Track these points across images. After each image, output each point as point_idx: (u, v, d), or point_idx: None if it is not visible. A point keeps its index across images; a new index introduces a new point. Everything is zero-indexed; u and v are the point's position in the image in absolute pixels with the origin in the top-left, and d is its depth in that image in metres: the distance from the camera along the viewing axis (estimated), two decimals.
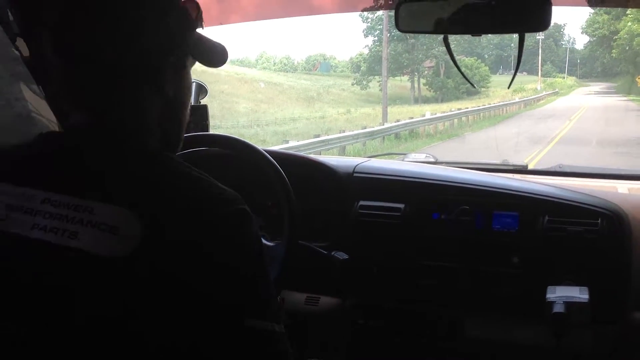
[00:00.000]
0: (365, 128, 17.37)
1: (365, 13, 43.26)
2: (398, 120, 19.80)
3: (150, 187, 1.01)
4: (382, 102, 27.25)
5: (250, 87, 35.42)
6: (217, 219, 1.00)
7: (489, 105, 28.96)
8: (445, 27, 1.55)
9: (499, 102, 31.88)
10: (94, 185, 1.01)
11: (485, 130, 21.32)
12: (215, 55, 1.20)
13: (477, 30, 1.58)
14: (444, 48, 1.58)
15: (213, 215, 1.00)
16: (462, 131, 20.92)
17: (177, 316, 0.96)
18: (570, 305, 1.63)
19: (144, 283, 0.95)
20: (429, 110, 25.69)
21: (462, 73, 1.31)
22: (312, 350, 1.97)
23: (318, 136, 14.75)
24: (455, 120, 22.53)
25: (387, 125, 18.80)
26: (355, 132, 16.19)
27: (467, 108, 26.16)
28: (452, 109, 25.38)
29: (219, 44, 1.20)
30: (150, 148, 1.10)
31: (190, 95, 1.18)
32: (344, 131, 16.54)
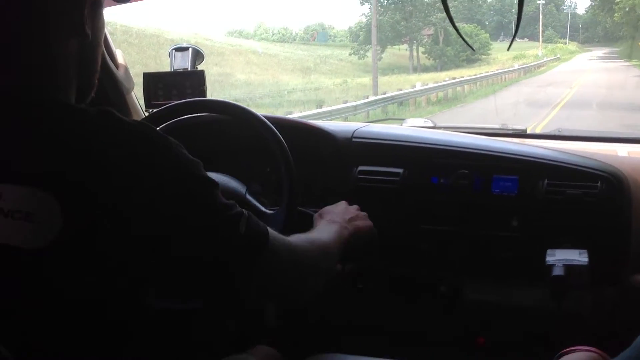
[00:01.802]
0: (367, 97, 17.00)
1: None
2: (384, 93, 19.11)
3: (71, 156, 0.92)
4: (372, 73, 26.76)
5: (245, 59, 35.22)
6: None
7: (486, 74, 27.75)
8: None
9: (498, 69, 30.88)
10: (1, 162, 0.92)
11: (481, 100, 20.69)
12: None
13: None
14: (443, 15, 1.58)
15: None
16: (455, 103, 20.27)
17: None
18: (569, 268, 1.65)
19: (71, 273, 0.90)
20: (427, 79, 25.14)
21: (459, 34, 1.31)
22: (313, 316, 2.01)
23: (321, 106, 14.56)
24: (450, 90, 21.48)
25: (371, 98, 17.77)
26: (357, 102, 15.70)
27: (462, 77, 25.14)
28: (447, 79, 24.35)
29: None
30: (67, 101, 1.04)
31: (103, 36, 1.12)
32: (346, 101, 16.16)
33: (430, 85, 21.15)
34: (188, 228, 0.98)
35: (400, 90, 19.46)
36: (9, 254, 0.88)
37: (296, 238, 1.26)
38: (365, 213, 1.62)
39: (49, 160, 0.90)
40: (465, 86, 23.18)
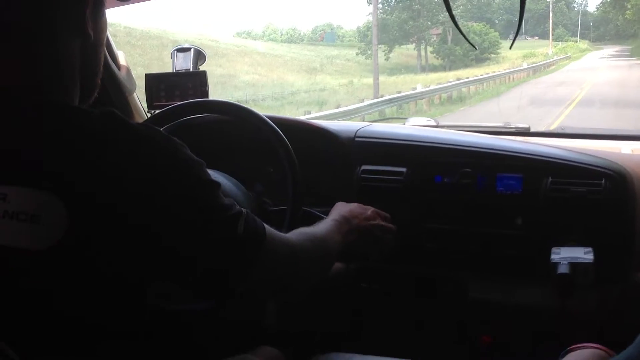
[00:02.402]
0: (363, 101, 16.45)
1: None
2: (382, 96, 18.19)
3: (75, 158, 0.93)
4: (373, 74, 26.43)
5: (250, 60, 35.27)
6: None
7: (493, 74, 27.02)
8: None
9: (505, 69, 30.21)
10: (5, 162, 0.93)
11: (486, 102, 19.96)
12: None
13: None
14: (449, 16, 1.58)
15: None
16: (459, 105, 19.58)
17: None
18: (575, 265, 1.67)
19: (76, 275, 0.91)
20: (435, 79, 24.68)
21: (460, 30, 1.32)
22: (318, 315, 2.03)
23: (338, 106, 14.30)
24: (454, 91, 20.68)
25: (366, 102, 16.31)
26: (350, 107, 15.15)
27: (468, 78, 24.26)
28: (451, 79, 23.64)
29: None
30: (70, 102, 1.05)
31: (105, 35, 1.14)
32: (339, 106, 15.84)
33: (432, 87, 20.29)
34: (188, 228, 1.00)
35: (399, 92, 18.68)
36: (15, 255, 0.89)
37: (294, 233, 1.29)
38: (380, 214, 1.65)
39: (53, 162, 0.92)
40: (471, 87, 22.64)
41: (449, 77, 27.39)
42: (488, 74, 27.10)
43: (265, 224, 1.14)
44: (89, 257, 0.91)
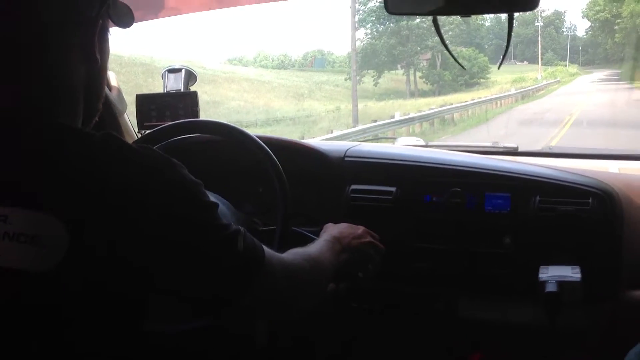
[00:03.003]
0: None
1: (357, 5, 43.26)
2: (375, 121, 17.43)
3: (77, 180, 0.95)
4: (352, 101, 25.84)
5: (238, 86, 35.30)
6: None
7: (479, 100, 26.19)
8: (434, 7, 1.57)
9: (492, 95, 29.38)
10: (5, 184, 0.94)
11: (470, 130, 19.36)
12: (126, 17, 1.16)
13: (465, 11, 1.61)
14: (438, 38, 1.62)
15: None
16: (441, 133, 18.80)
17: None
18: (562, 284, 1.69)
19: (76, 297, 0.92)
20: (423, 105, 24.25)
21: (448, 51, 1.37)
22: (307, 335, 2.05)
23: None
24: (436, 119, 19.67)
25: (336, 133, 15.51)
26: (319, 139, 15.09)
27: (452, 105, 23.23)
28: (432, 106, 22.83)
29: (126, 5, 1.18)
30: (74, 125, 1.07)
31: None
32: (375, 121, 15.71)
33: (412, 114, 19.43)
34: (188, 248, 1.02)
35: (375, 121, 17.77)
36: (16, 277, 0.90)
37: (289, 254, 1.31)
38: (370, 233, 1.68)
39: (54, 184, 0.94)
40: (455, 114, 21.78)
41: (437, 102, 27.26)
42: (474, 99, 26.41)
43: (262, 245, 1.17)
44: (90, 278, 0.93)
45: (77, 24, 1.05)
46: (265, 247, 1.17)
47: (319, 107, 32.13)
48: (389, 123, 17.62)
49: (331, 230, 1.59)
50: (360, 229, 1.65)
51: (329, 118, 27.77)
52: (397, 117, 18.57)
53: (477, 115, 22.98)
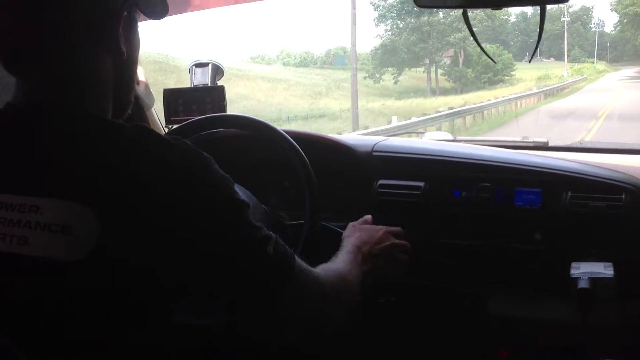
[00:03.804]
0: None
1: (376, 0, 43.14)
2: (369, 127, 16.61)
3: (109, 170, 0.97)
4: (351, 103, 25.14)
5: (252, 84, 35.25)
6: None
7: (496, 100, 24.64)
8: (464, 0, 1.60)
9: (511, 95, 27.66)
10: (39, 175, 0.97)
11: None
12: (158, 7, 1.17)
13: (496, 4, 1.62)
14: (461, 35, 1.63)
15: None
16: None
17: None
18: (595, 280, 1.71)
19: (106, 287, 0.95)
20: (441, 104, 23.68)
21: (477, 41, 1.39)
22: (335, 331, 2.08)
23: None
24: (444, 124, 17.69)
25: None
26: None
27: (464, 106, 21.54)
28: (441, 109, 20.81)
29: None
30: (104, 116, 1.09)
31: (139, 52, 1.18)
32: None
33: (414, 119, 17.52)
34: (219, 243, 1.04)
35: (367, 128, 16.78)
36: (48, 266, 0.94)
37: (322, 269, 1.32)
38: (393, 231, 1.68)
39: (84, 173, 0.97)
40: (468, 117, 20.18)
41: (457, 101, 26.67)
42: (489, 100, 24.99)
43: (295, 255, 1.18)
44: (120, 268, 0.96)
45: (100, 17, 1.07)
46: (297, 259, 1.18)
47: (335, 106, 32.00)
48: (392, 128, 16.05)
49: (352, 239, 1.59)
50: (380, 231, 1.65)
51: (343, 117, 27.61)
52: (394, 123, 16.47)
53: (493, 117, 21.96)
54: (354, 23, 26.89)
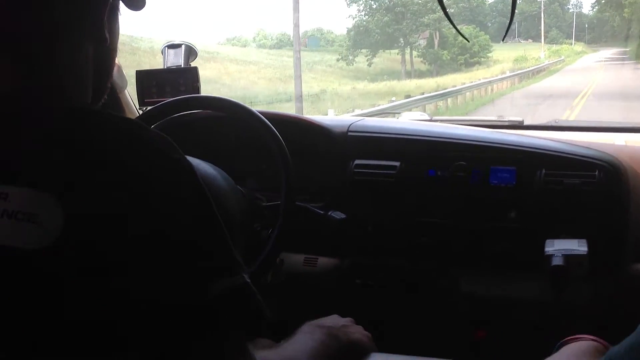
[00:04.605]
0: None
1: None
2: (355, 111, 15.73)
3: (81, 160, 0.96)
4: (295, 88, 24.54)
5: (220, 67, 34.98)
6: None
7: (463, 85, 23.47)
8: None
9: (482, 79, 26.64)
10: (10, 163, 0.97)
11: None
12: None
13: None
14: (436, 15, 1.64)
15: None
16: None
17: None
18: (569, 257, 1.76)
19: (73, 275, 0.93)
20: (414, 87, 23.73)
21: (453, 24, 1.43)
22: (311, 311, 2.12)
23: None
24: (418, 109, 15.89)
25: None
26: None
27: (430, 93, 20.34)
28: (393, 98, 20.03)
29: None
30: (85, 105, 1.08)
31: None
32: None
33: (371, 108, 15.85)
34: (184, 230, 1.00)
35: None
36: (12, 254, 0.93)
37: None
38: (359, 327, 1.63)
39: (53, 162, 0.96)
40: (439, 102, 19.20)
41: (430, 84, 26.47)
42: (456, 86, 23.30)
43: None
44: (84, 261, 0.94)
45: (85, 3, 1.07)
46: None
47: (304, 90, 31.88)
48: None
49: (322, 322, 1.57)
50: (347, 321, 1.64)
51: (309, 102, 27.52)
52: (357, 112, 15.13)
53: (461, 105, 20.99)
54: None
